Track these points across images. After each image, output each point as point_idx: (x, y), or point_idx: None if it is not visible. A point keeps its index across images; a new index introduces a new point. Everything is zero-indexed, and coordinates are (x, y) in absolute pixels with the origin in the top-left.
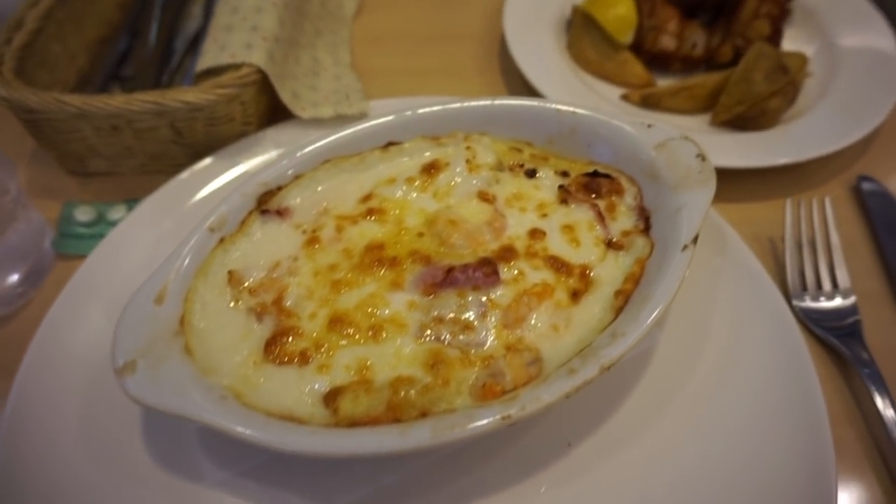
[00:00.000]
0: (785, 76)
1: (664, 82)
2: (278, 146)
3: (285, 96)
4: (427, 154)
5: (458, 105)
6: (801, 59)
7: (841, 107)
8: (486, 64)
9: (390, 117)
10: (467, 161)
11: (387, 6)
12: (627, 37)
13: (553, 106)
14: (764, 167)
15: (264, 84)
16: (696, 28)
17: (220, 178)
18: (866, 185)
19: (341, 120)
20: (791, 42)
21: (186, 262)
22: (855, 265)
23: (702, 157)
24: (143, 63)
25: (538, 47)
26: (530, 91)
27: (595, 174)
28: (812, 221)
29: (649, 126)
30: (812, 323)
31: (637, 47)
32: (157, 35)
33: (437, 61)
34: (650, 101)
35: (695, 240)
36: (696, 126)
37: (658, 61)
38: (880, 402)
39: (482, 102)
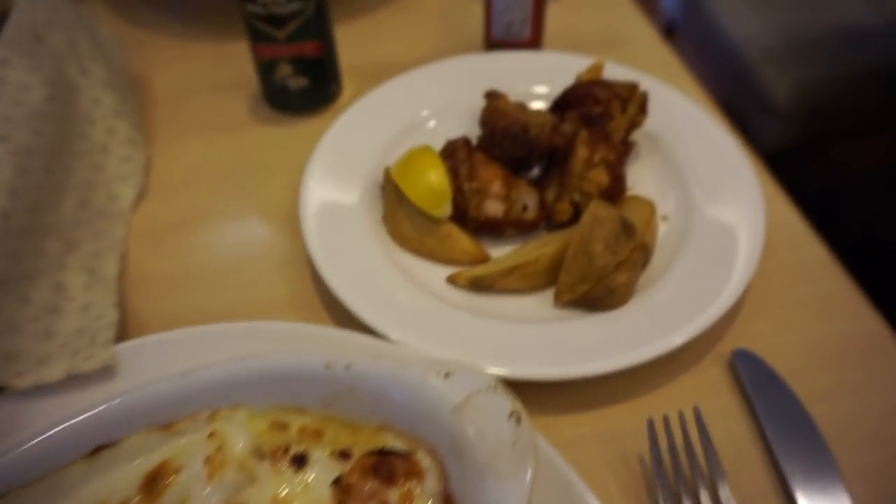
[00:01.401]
0: (630, 241)
1: (500, 252)
2: None
3: None
4: (150, 457)
5: (200, 374)
6: (648, 210)
7: (704, 262)
8: (290, 254)
9: (101, 407)
10: (208, 458)
11: (175, 188)
12: (443, 210)
13: (320, 361)
14: (620, 370)
15: None
16: (524, 187)
17: None
18: (742, 364)
19: (81, 382)
20: (639, 173)
21: None
22: (743, 478)
23: (517, 416)
24: None
25: (343, 227)
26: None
27: (384, 452)
28: (684, 439)
29: (447, 375)
30: None
31: (461, 215)
32: None
33: (231, 257)
34: (481, 285)
35: None
36: (538, 310)
37: (489, 228)
38: None
39: (228, 368)
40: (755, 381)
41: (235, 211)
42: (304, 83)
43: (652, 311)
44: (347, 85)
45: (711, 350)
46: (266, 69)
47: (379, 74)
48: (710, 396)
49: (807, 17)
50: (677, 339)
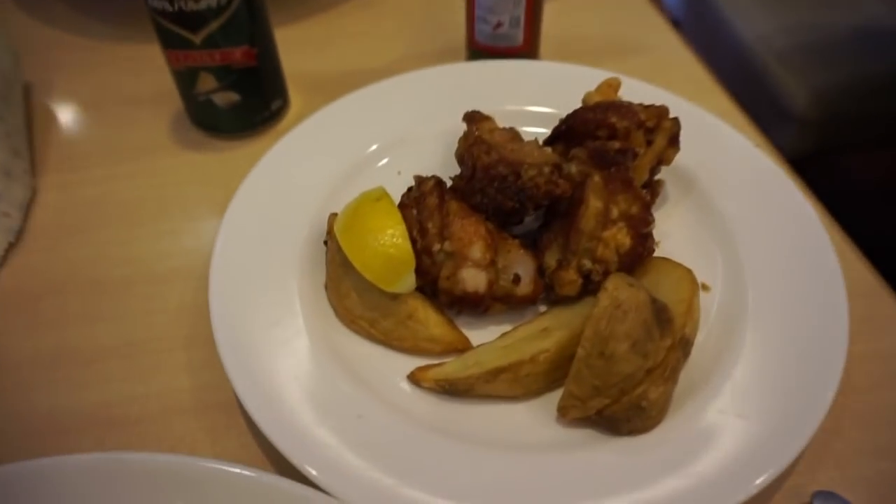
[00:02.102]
0: (665, 336)
1: (483, 333)
2: None
3: None
4: None
5: None
6: (687, 283)
7: (770, 356)
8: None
9: None
10: None
11: (62, 234)
12: (403, 283)
13: None
14: None
15: None
16: (515, 251)
17: None
18: None
19: None
20: (667, 223)
21: None
22: None
23: None
24: None
25: (267, 301)
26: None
27: None
28: None
29: None
30: None
31: (431, 286)
32: None
33: (121, 335)
34: (456, 389)
35: None
36: (534, 428)
37: (468, 305)
38: None
39: None
40: None
41: (135, 266)
42: (235, 98)
43: (698, 437)
44: (295, 100)
45: (778, 490)
46: (184, 81)
47: (336, 87)
48: None
49: (822, 18)
50: (743, 487)
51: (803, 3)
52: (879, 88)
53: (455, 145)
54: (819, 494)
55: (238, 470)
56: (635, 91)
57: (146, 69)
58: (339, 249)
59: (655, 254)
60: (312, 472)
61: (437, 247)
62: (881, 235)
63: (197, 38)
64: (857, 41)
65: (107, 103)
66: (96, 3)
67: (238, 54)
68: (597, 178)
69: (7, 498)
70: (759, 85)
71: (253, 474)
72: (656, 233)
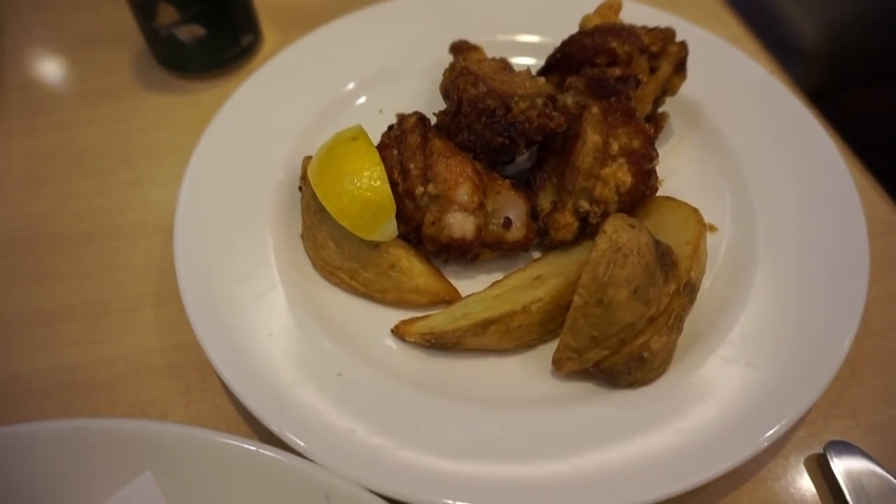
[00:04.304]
0: (669, 281)
1: (472, 283)
2: None
3: None
4: None
5: None
6: (692, 224)
7: (779, 302)
8: (171, 288)
9: None
10: None
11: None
12: (383, 230)
13: None
14: (666, 497)
15: None
16: (506, 192)
17: None
18: (840, 461)
19: None
20: (672, 159)
21: None
22: None
23: None
24: None
25: (238, 253)
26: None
27: None
28: None
29: None
30: None
31: (415, 233)
32: None
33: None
34: (443, 343)
35: None
36: (528, 382)
37: (455, 252)
38: None
39: None
40: (863, 492)
41: (98, 220)
42: (200, 32)
43: (704, 389)
44: (269, 35)
45: (789, 439)
46: (143, 13)
47: (313, 20)
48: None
49: None
50: (750, 443)
51: None
52: (890, 21)
53: (440, 79)
54: (832, 444)
55: (213, 436)
56: (639, 14)
57: (104, 3)
58: (315, 195)
59: (659, 192)
60: (291, 436)
61: (420, 189)
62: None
63: None
64: None
65: (63, 42)
66: None
67: None
68: (595, 109)
69: None
70: (767, 19)
71: (228, 440)
72: (660, 170)
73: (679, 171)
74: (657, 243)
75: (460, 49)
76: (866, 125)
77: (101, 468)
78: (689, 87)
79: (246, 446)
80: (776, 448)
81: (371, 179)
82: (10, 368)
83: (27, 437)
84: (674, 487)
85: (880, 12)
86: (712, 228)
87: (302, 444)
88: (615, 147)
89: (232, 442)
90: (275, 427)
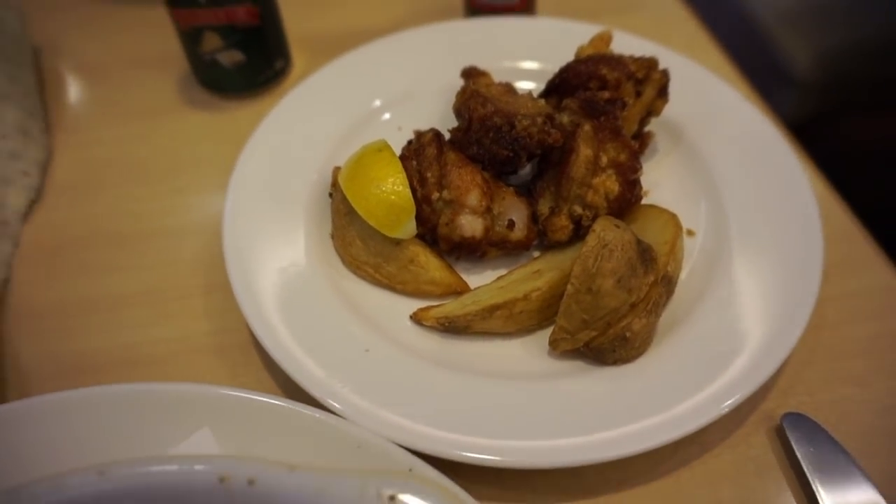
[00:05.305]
0: (648, 273)
1: (480, 277)
2: None
3: None
4: None
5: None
6: (671, 227)
7: (745, 295)
8: (218, 279)
9: None
10: None
11: (79, 190)
12: (404, 229)
13: (212, 474)
14: (638, 453)
15: None
16: (510, 198)
17: None
18: (795, 432)
19: None
20: (656, 173)
21: None
22: None
23: None
24: None
25: (277, 248)
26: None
27: None
28: None
29: (391, 499)
30: None
31: (431, 233)
32: None
33: (141, 282)
34: (455, 326)
35: None
36: (528, 360)
37: (465, 250)
38: None
39: (89, 481)
40: (815, 457)
41: (151, 221)
42: (239, 58)
43: (678, 366)
44: (298, 60)
45: (752, 412)
46: (190, 40)
47: (337, 47)
48: (753, 477)
49: None
50: (714, 409)
51: None
52: (882, 50)
53: (453, 100)
54: (788, 416)
55: (259, 397)
56: (628, 45)
57: (149, 32)
58: (344, 200)
59: (644, 201)
60: (329, 400)
61: (435, 195)
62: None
63: None
64: (859, 2)
65: (113, 65)
66: None
67: (241, 13)
68: (587, 126)
69: (48, 424)
70: (761, 48)
71: (272, 400)
72: (646, 182)
73: (662, 183)
74: (639, 241)
75: (470, 74)
76: (862, 152)
77: (165, 425)
78: (672, 110)
79: (288, 405)
80: (740, 418)
81: (394, 185)
82: (81, 346)
83: (97, 397)
84: (651, 443)
85: (875, 43)
86: (690, 233)
87: (337, 406)
88: (604, 160)
89: (275, 402)
90: (315, 392)
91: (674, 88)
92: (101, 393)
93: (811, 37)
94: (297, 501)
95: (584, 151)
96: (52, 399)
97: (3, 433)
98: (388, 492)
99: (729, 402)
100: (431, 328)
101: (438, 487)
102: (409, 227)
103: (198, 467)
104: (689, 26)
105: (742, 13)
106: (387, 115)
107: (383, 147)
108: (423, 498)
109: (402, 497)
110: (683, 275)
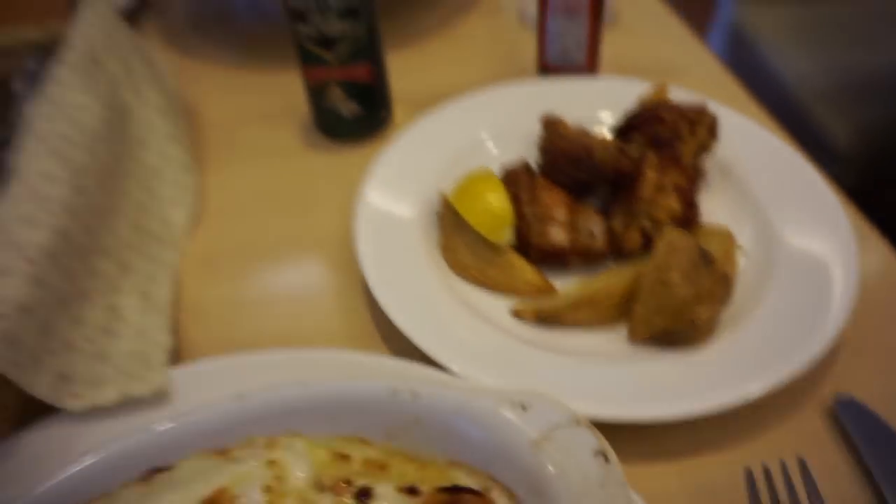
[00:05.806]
0: (709, 272)
1: (566, 284)
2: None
3: (40, 385)
4: (206, 484)
5: (257, 398)
6: (726, 240)
7: (794, 298)
8: (345, 283)
9: (156, 428)
10: (267, 488)
11: (228, 214)
12: (504, 235)
13: (385, 388)
14: (707, 413)
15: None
16: (590, 214)
17: None
18: (847, 413)
19: (134, 406)
20: (711, 203)
21: None
22: None
23: (603, 454)
24: None
25: (400, 254)
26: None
27: (456, 489)
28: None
29: (523, 408)
30: None
31: (524, 244)
32: None
33: (286, 285)
34: (548, 319)
35: None
36: (611, 347)
37: (553, 258)
38: None
39: (287, 393)
40: (865, 434)
41: (289, 238)
42: (355, 108)
43: (740, 349)
44: (397, 112)
45: (811, 396)
46: (317, 93)
47: (429, 103)
48: (812, 449)
49: (860, 56)
50: (769, 381)
51: (843, 42)
52: None
53: (536, 142)
54: (842, 400)
55: (390, 359)
56: (679, 98)
57: (273, 91)
58: (453, 215)
59: (701, 226)
60: (451, 365)
61: (528, 210)
62: None
63: (331, 57)
64: (894, 77)
65: (245, 118)
66: (224, 35)
67: (360, 71)
68: (652, 156)
69: (223, 378)
70: (802, 125)
71: (404, 361)
72: (702, 211)
73: (716, 211)
74: (700, 246)
75: (550, 121)
76: None
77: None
78: (721, 151)
79: (417, 366)
80: (793, 399)
81: (497, 199)
82: (242, 332)
83: (268, 358)
84: (715, 401)
85: None
86: (742, 251)
87: (456, 369)
88: (667, 183)
89: (411, 364)
90: (442, 358)
91: (722, 133)
92: (272, 356)
93: (850, 113)
94: (449, 411)
95: (651, 175)
96: (229, 360)
97: (187, 387)
98: (520, 401)
99: (784, 377)
100: (529, 321)
101: (561, 403)
102: (508, 233)
103: (372, 383)
104: (734, 89)
105: (782, 94)
106: (486, 148)
107: (486, 171)
108: (550, 406)
109: (533, 406)
110: (739, 285)
